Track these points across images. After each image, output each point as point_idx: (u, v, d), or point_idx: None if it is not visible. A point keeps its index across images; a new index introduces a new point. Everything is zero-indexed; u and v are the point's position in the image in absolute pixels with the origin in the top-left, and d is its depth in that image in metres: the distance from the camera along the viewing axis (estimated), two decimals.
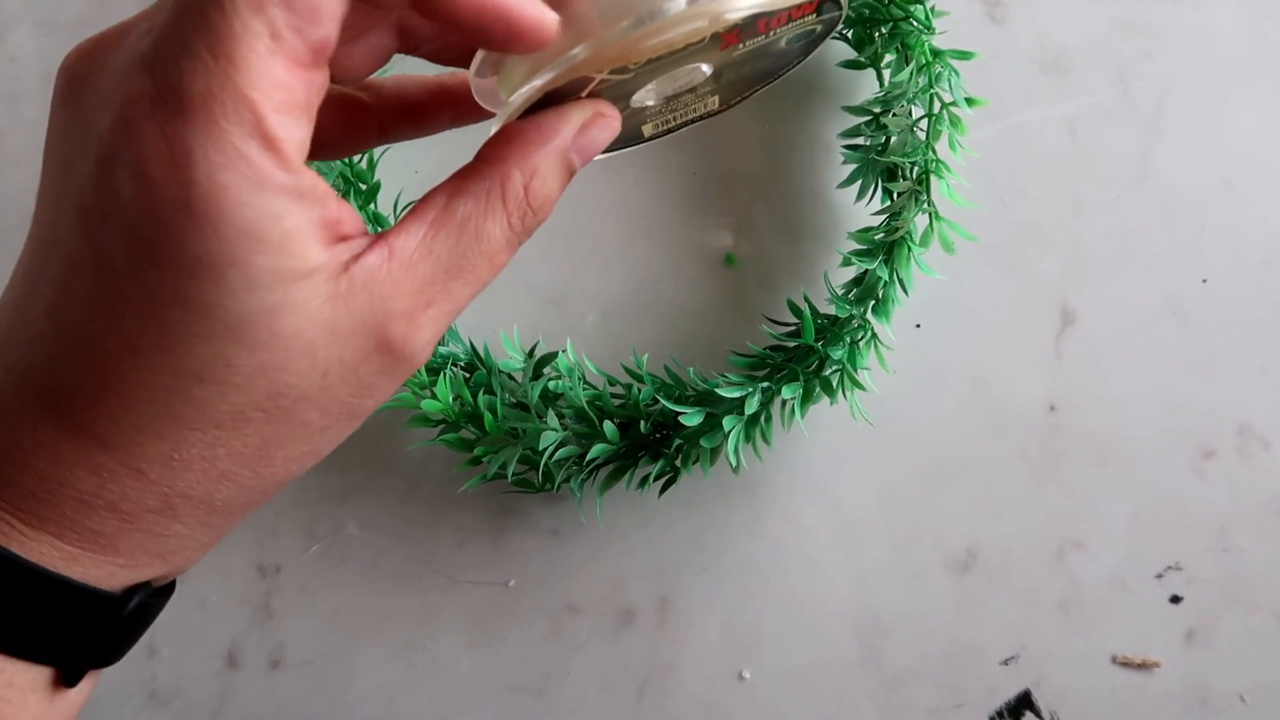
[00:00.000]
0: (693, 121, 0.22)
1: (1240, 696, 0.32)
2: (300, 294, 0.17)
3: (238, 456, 0.18)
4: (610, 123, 0.20)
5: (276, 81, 0.15)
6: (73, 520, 0.17)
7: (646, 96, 0.20)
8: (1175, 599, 0.32)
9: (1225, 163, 0.35)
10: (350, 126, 0.21)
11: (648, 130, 0.22)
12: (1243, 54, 0.36)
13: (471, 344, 0.33)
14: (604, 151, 0.21)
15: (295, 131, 0.16)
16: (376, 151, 0.34)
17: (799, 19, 0.19)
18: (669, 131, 0.22)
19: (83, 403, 0.17)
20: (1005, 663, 0.32)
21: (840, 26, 0.35)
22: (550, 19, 0.18)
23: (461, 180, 0.19)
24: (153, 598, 0.19)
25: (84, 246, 0.17)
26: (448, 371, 0.32)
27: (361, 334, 0.18)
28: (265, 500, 0.19)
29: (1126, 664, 0.32)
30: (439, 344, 0.33)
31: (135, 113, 0.16)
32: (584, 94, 0.19)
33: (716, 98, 0.22)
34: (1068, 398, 0.34)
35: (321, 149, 0.20)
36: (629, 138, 0.22)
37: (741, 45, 0.19)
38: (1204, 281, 0.34)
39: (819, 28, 0.20)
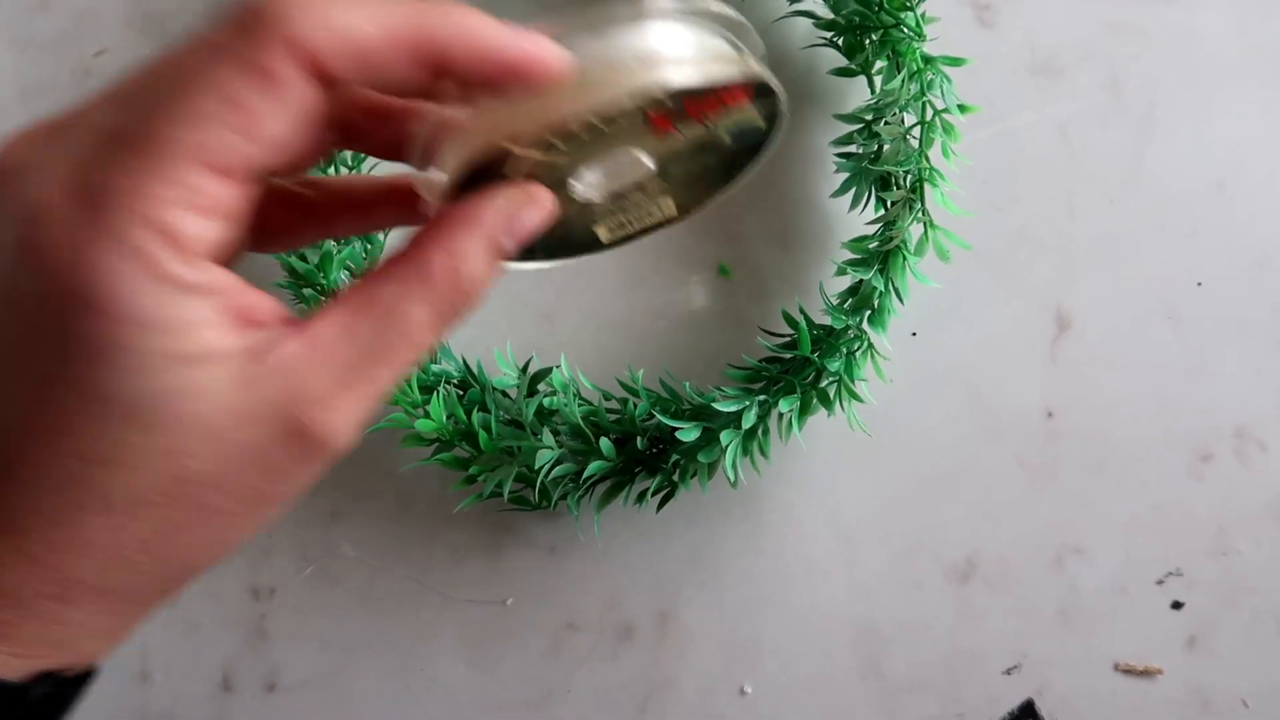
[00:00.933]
0: (652, 229, 0.22)
1: (1243, 701, 0.31)
2: (201, 378, 0.17)
3: (139, 543, 0.17)
4: (540, 205, 0.19)
5: (193, 186, 0.16)
6: None
7: (589, 190, 0.20)
8: (1176, 605, 0.32)
9: (1217, 163, 0.35)
10: (292, 221, 0.21)
11: (604, 234, 0.22)
12: (1232, 54, 0.35)
13: (465, 361, 0.33)
14: (562, 257, 0.21)
15: (205, 231, 0.16)
16: (365, 166, 0.34)
17: (733, 106, 0.19)
18: (628, 239, 0.22)
19: None
20: (1007, 672, 0.32)
21: (831, 33, 0.34)
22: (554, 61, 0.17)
23: (389, 265, 0.19)
24: (62, 687, 0.18)
25: None
26: (441, 390, 0.31)
27: (272, 419, 0.17)
28: (175, 589, 0.18)
29: (1128, 671, 0.32)
30: (431, 362, 0.33)
31: (50, 202, 0.16)
32: (518, 178, 0.19)
33: (670, 200, 0.21)
34: (1064, 403, 0.33)
35: (263, 242, 0.20)
36: (582, 241, 0.21)
37: (679, 133, 0.19)
38: (1198, 284, 0.34)
39: (762, 124, 0.20)
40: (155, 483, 0.17)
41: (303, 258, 0.31)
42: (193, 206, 0.16)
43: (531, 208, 0.19)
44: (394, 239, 0.34)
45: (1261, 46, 0.35)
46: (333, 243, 0.32)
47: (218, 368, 0.17)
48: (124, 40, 0.37)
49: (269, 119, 0.16)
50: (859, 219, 0.33)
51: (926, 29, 0.33)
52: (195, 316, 0.17)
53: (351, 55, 0.17)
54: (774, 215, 0.35)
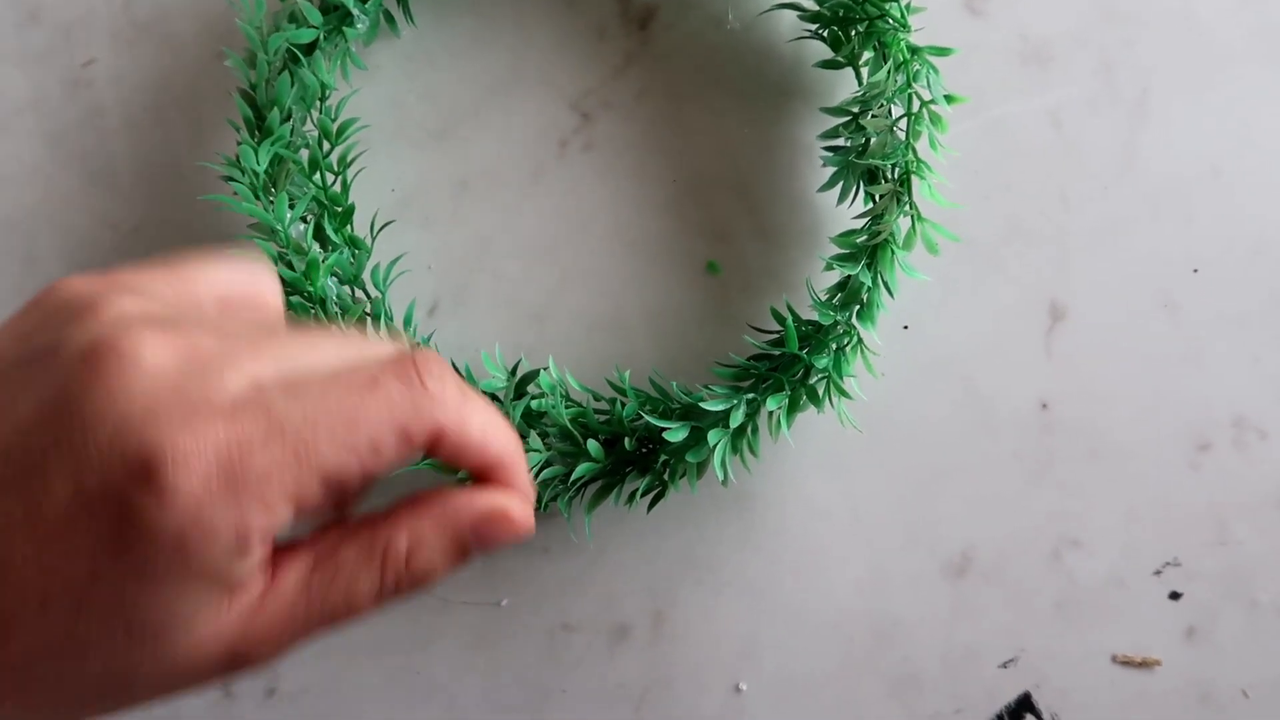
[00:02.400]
0: None
1: (1243, 692, 0.31)
2: (195, 619, 0.19)
3: (50, 700, 0.19)
4: (516, 528, 0.21)
5: (308, 500, 0.19)
6: None
7: None
8: (1174, 595, 0.32)
9: (1212, 149, 0.34)
10: None
11: None
12: (1227, 38, 0.35)
13: (454, 365, 0.33)
14: None
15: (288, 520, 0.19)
16: (350, 173, 0.34)
17: None
18: None
19: None
20: (1004, 665, 0.32)
21: (816, 25, 0.34)
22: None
23: (358, 527, 0.20)
24: None
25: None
26: None
27: (220, 654, 0.19)
28: None
29: (1127, 663, 0.31)
30: None
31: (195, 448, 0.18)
32: None
33: None
34: (1059, 395, 0.33)
35: None
36: None
37: None
38: (1194, 271, 0.34)
39: None
40: (103, 674, 0.19)
41: (290, 265, 0.31)
42: (299, 510, 0.19)
43: (509, 530, 0.21)
44: (382, 242, 0.34)
45: (1258, 30, 0.35)
46: (318, 249, 0.32)
47: (215, 614, 0.19)
48: (112, 50, 0.37)
49: (391, 466, 0.19)
50: (848, 213, 0.33)
51: (914, 19, 0.33)
52: (246, 579, 0.19)
53: (471, 454, 0.20)
54: (762, 211, 0.35)
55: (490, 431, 0.20)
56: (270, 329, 0.21)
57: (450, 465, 0.20)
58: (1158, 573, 0.32)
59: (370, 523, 0.20)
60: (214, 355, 0.19)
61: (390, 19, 0.36)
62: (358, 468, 0.19)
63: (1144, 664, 0.31)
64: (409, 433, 0.19)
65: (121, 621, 0.18)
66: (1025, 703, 0.32)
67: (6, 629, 0.18)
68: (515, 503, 0.21)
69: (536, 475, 0.30)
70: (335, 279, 0.32)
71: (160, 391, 0.18)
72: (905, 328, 0.34)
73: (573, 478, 0.30)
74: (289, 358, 0.20)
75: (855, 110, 0.32)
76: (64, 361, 0.19)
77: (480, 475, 0.21)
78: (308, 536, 0.20)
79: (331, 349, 0.20)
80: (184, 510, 0.18)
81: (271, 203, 0.32)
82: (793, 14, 0.34)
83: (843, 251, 0.32)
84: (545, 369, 0.32)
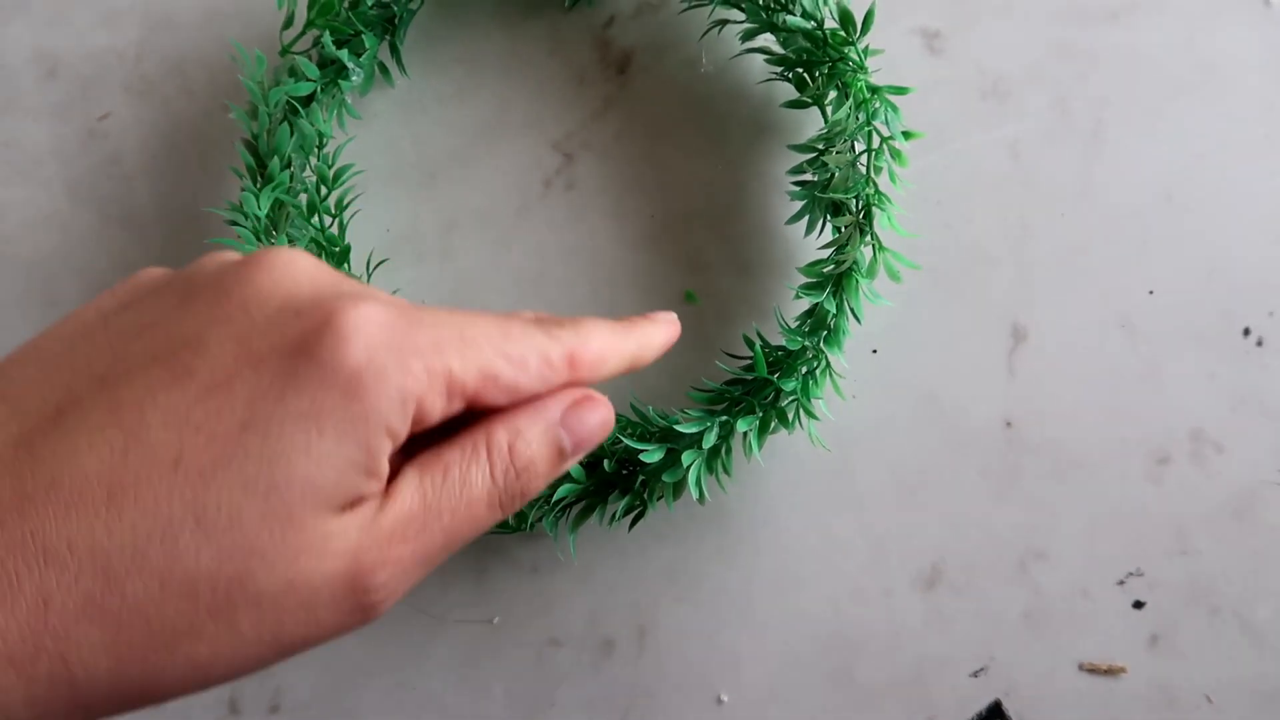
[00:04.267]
0: None
1: (1206, 697, 0.32)
2: (332, 491, 0.18)
3: (144, 624, 0.16)
4: (600, 410, 0.22)
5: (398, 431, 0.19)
6: None
7: None
8: (1138, 604, 0.33)
9: (1165, 176, 0.36)
10: None
11: None
12: (1176, 70, 0.37)
13: None
14: None
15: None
16: (347, 215, 0.36)
17: None
18: None
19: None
20: (975, 674, 0.33)
21: (782, 68, 0.36)
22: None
23: (455, 435, 0.20)
24: None
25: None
26: None
27: (342, 557, 0.18)
28: (134, 702, 0.17)
29: (1093, 670, 0.33)
30: None
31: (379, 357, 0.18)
32: None
33: None
34: (1023, 413, 0.35)
35: None
36: None
37: None
38: (1150, 293, 0.35)
39: None
40: (215, 569, 0.17)
41: None
42: (449, 397, 0.19)
43: (593, 410, 0.22)
44: (377, 280, 0.36)
45: (1205, 62, 0.37)
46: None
47: (345, 500, 0.18)
48: (125, 104, 0.39)
49: (529, 383, 0.21)
50: (817, 243, 0.35)
51: (875, 60, 0.35)
52: (381, 471, 0.18)
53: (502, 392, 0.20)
54: (737, 243, 0.37)
55: (600, 344, 0.22)
56: None
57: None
58: (1121, 583, 0.33)
59: (467, 427, 0.20)
60: (358, 284, 0.20)
61: (384, 70, 0.38)
62: (508, 374, 0.20)
63: (1110, 671, 0.33)
64: (546, 355, 0.20)
65: (262, 483, 0.17)
66: (996, 710, 0.33)
67: (122, 499, 0.16)
68: (590, 394, 0.22)
69: None
70: None
71: (322, 280, 0.19)
72: (874, 351, 0.36)
73: (555, 498, 0.32)
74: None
75: (820, 147, 0.34)
76: (212, 273, 0.19)
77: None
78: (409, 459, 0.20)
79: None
80: (363, 348, 0.17)
81: (273, 244, 0.34)
82: (761, 57, 0.37)
83: (810, 280, 0.34)
84: None
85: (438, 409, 0.19)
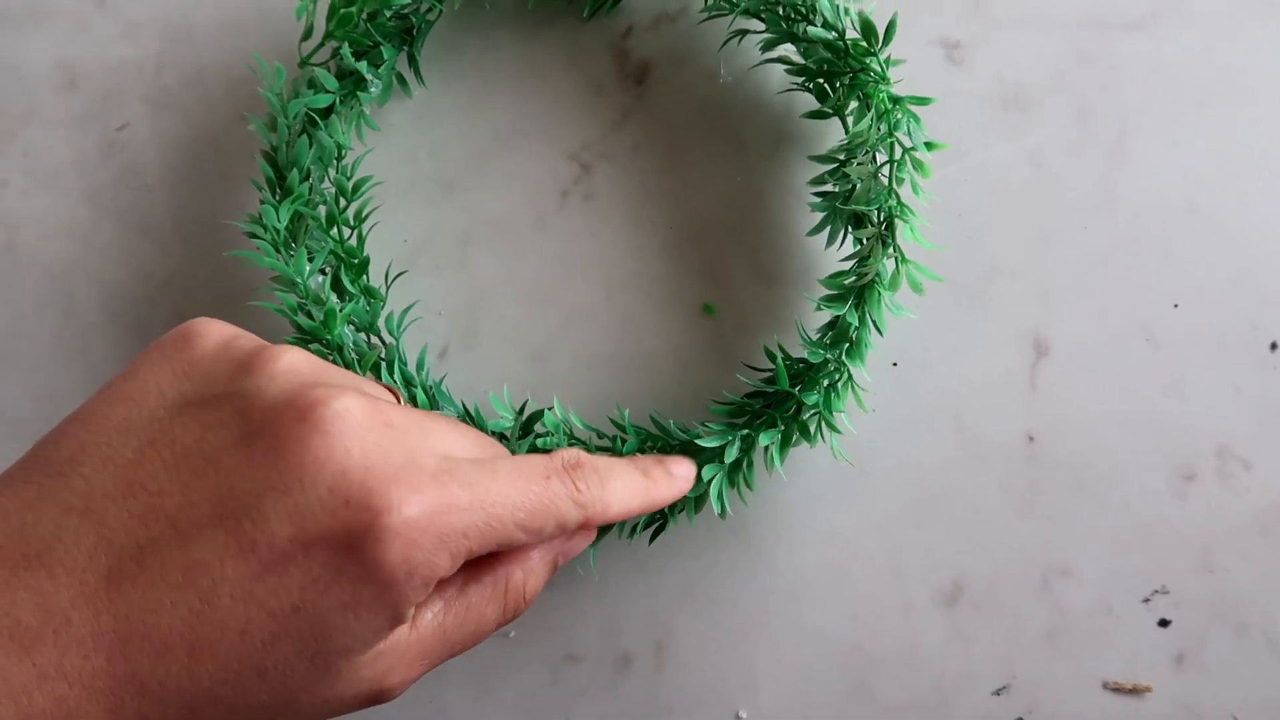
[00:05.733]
0: None
1: (1233, 716, 0.32)
2: (365, 649, 0.22)
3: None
4: (590, 536, 0.27)
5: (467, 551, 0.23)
6: None
7: None
8: (1163, 622, 0.33)
9: (1188, 186, 0.36)
10: None
11: None
12: (1199, 78, 0.36)
13: (464, 406, 0.35)
14: None
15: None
16: (365, 227, 0.36)
17: None
18: None
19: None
20: (996, 693, 0.33)
21: (802, 78, 0.36)
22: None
23: (477, 569, 0.24)
24: None
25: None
26: None
27: (369, 682, 0.22)
28: None
29: (1118, 689, 0.32)
30: (435, 407, 0.34)
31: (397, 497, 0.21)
32: None
33: None
34: (1045, 428, 0.34)
35: None
36: None
37: None
38: (1174, 305, 0.35)
39: None
40: (272, 702, 0.21)
41: (309, 315, 0.33)
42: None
43: (586, 539, 0.27)
44: (395, 291, 0.36)
45: (1229, 71, 0.36)
46: (335, 300, 0.34)
47: (377, 648, 0.22)
48: (144, 115, 0.39)
49: (542, 543, 0.25)
50: (839, 254, 0.35)
51: (896, 70, 0.34)
52: (408, 618, 0.22)
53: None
54: (757, 254, 0.37)
55: (620, 507, 0.26)
56: (411, 408, 0.24)
57: None
58: (1146, 600, 0.33)
59: (487, 562, 0.24)
60: (406, 425, 0.22)
61: (402, 80, 0.38)
62: (521, 542, 0.23)
63: (1135, 690, 0.32)
64: (565, 524, 0.24)
65: (309, 651, 0.21)
66: None
67: (201, 654, 0.20)
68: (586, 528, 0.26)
69: None
70: (352, 327, 0.34)
71: (372, 449, 0.21)
72: (895, 364, 0.35)
73: None
74: (450, 435, 0.23)
75: (841, 158, 0.34)
76: (266, 409, 0.21)
77: None
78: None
79: (473, 434, 0.25)
80: (400, 552, 0.20)
81: (292, 256, 0.34)
82: (781, 67, 0.36)
83: (831, 293, 0.33)
84: (550, 408, 0.34)
85: (450, 572, 0.23)
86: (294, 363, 0.22)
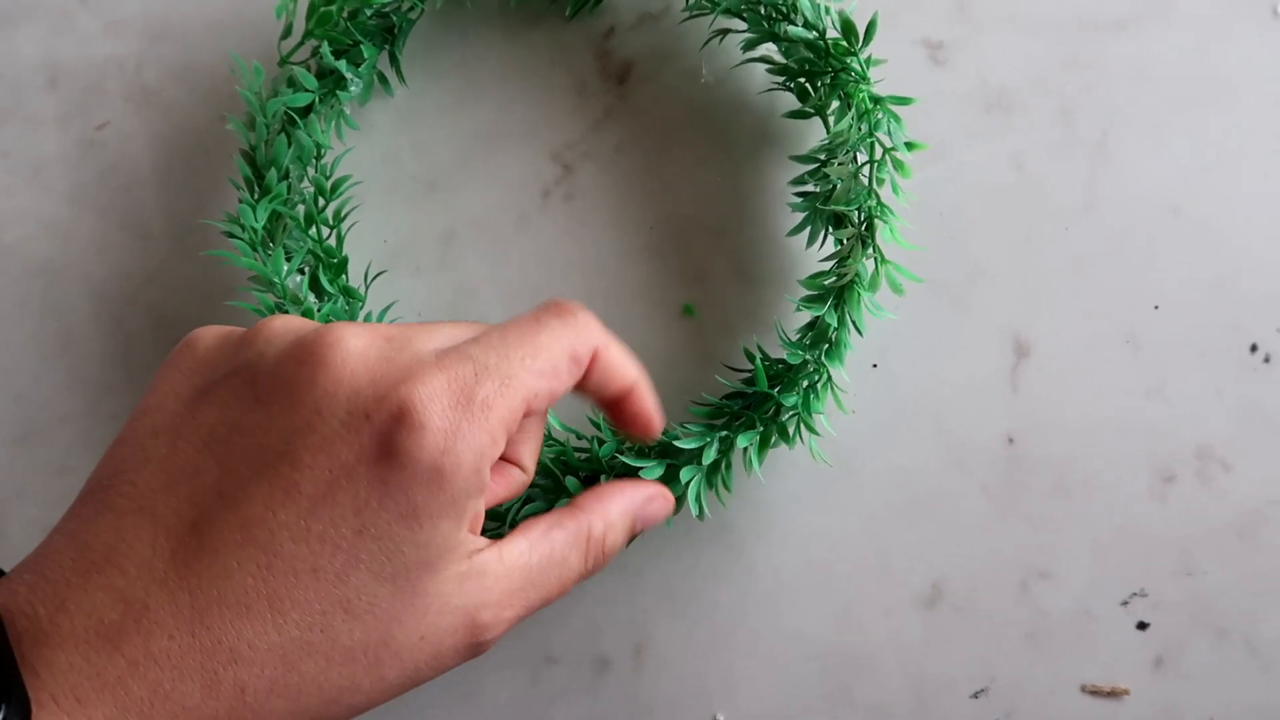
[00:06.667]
0: None
1: None
2: (443, 562, 0.21)
3: (318, 690, 0.21)
4: (669, 504, 0.29)
5: (517, 416, 0.23)
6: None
7: None
8: (1142, 625, 0.33)
9: (1171, 189, 0.35)
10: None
11: None
12: (1183, 80, 0.36)
13: None
14: None
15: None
16: (345, 226, 0.36)
17: None
18: None
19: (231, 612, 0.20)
20: (975, 695, 0.33)
21: (784, 77, 0.36)
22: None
23: (560, 516, 0.25)
24: None
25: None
26: None
27: (461, 612, 0.22)
28: None
29: (1096, 692, 0.32)
30: None
31: (441, 408, 0.22)
32: None
33: None
34: (1026, 429, 0.34)
35: None
36: None
37: None
38: (1156, 308, 0.35)
39: None
40: (369, 642, 0.21)
41: (286, 314, 0.33)
42: (508, 434, 0.22)
43: (664, 506, 0.28)
44: (374, 291, 0.36)
45: (1213, 74, 0.36)
46: (314, 299, 0.34)
47: (453, 558, 0.22)
48: (124, 113, 0.39)
49: (565, 388, 0.24)
50: (818, 255, 0.35)
51: (876, 70, 0.34)
52: (462, 514, 0.22)
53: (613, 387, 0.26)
54: (738, 254, 0.36)
55: (625, 355, 0.26)
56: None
57: (598, 392, 0.26)
58: (1125, 603, 0.33)
59: (569, 512, 0.25)
60: (400, 333, 0.22)
61: (384, 79, 0.38)
62: (546, 389, 0.23)
63: (1113, 693, 0.32)
64: (577, 354, 0.24)
65: (386, 573, 0.21)
66: None
67: (281, 604, 0.20)
68: (665, 490, 0.29)
69: (519, 511, 0.32)
70: None
71: (375, 363, 0.21)
72: (875, 365, 0.35)
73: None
74: (443, 329, 0.23)
75: (822, 158, 0.34)
76: (270, 368, 0.22)
77: (620, 400, 0.26)
78: (519, 526, 0.24)
79: (464, 324, 0.24)
80: (436, 442, 0.21)
81: (270, 256, 0.34)
82: (763, 67, 0.36)
83: (810, 293, 0.33)
84: None
85: (500, 452, 0.22)
86: (285, 323, 0.23)
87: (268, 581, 0.20)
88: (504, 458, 0.26)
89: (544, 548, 0.24)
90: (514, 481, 0.26)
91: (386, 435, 0.20)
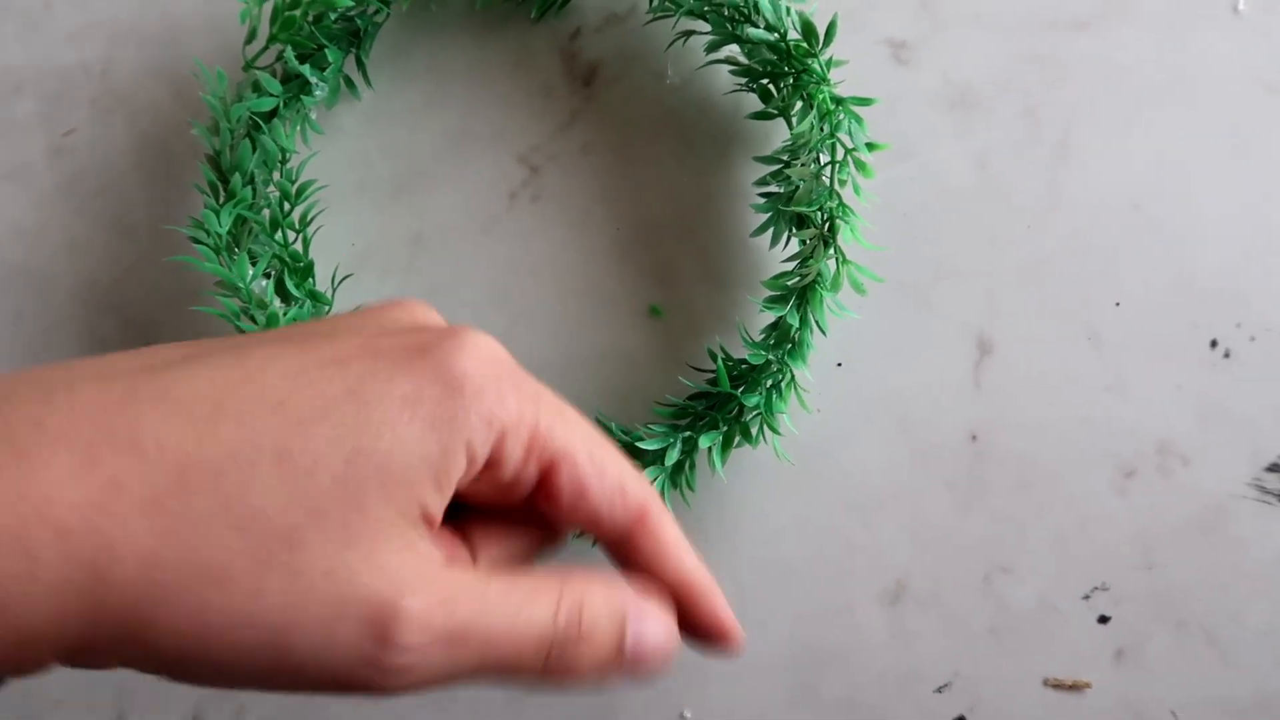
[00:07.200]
0: None
1: (1172, 713, 0.32)
2: (401, 493, 0.18)
3: (191, 546, 0.17)
4: (670, 627, 0.23)
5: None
6: None
7: None
8: (1103, 619, 0.33)
9: (1132, 187, 0.36)
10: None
11: None
12: (1145, 80, 0.36)
13: None
14: None
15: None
16: (311, 229, 0.36)
17: None
18: None
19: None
20: (940, 690, 0.33)
21: (747, 79, 0.36)
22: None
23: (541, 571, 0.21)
24: None
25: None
26: None
27: (384, 578, 0.17)
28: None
29: (1058, 686, 0.32)
30: None
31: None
32: None
33: None
34: (988, 426, 0.34)
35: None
36: None
37: None
38: (1117, 305, 0.35)
39: None
40: (275, 517, 0.17)
41: (252, 319, 0.33)
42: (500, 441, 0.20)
43: (664, 622, 0.23)
44: (342, 294, 0.36)
45: (1174, 71, 0.36)
46: (279, 304, 0.34)
47: (410, 512, 0.18)
48: (91, 119, 0.39)
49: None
50: (782, 256, 0.35)
51: (839, 71, 0.35)
52: (451, 489, 0.19)
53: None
54: (704, 255, 0.37)
55: (678, 540, 0.24)
56: None
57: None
58: (1086, 597, 0.33)
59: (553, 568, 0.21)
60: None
61: (350, 83, 0.38)
62: (585, 469, 0.20)
63: (1075, 686, 0.32)
64: (625, 485, 0.22)
65: (348, 444, 0.18)
66: None
67: (221, 417, 0.17)
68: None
69: None
70: None
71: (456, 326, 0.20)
72: (839, 365, 0.35)
73: None
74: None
75: (785, 159, 0.34)
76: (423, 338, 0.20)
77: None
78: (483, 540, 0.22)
79: None
80: (472, 362, 0.19)
81: (235, 261, 0.34)
82: (727, 68, 0.36)
83: (774, 294, 0.33)
84: None
85: (514, 458, 0.19)
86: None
87: (225, 394, 0.17)
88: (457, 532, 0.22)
89: (504, 574, 0.20)
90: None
91: (430, 340, 0.19)
